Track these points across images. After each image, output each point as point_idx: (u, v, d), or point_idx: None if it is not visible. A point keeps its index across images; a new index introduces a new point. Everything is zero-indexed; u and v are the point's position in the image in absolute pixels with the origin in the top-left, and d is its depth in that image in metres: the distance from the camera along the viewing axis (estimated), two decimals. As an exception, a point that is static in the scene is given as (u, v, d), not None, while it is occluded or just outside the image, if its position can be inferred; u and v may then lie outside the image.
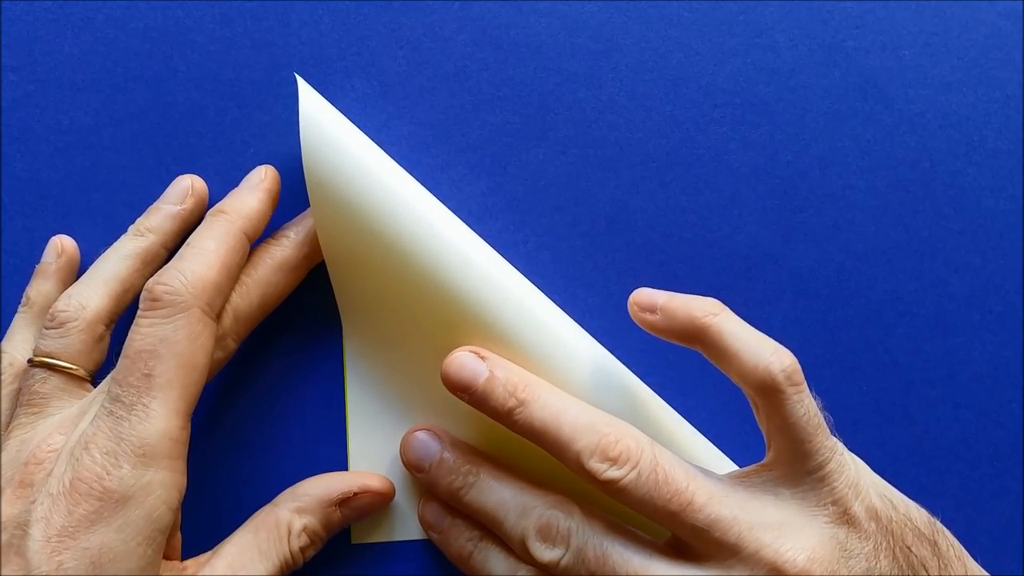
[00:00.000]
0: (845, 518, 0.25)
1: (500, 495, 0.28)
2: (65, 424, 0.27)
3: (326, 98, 0.32)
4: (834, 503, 0.26)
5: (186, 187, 0.32)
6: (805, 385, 0.26)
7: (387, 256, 0.30)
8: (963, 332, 0.34)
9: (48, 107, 0.33)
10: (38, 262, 0.32)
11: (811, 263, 0.34)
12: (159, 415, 0.25)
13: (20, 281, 0.32)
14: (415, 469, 0.31)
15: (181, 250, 0.28)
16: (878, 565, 0.25)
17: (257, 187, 0.31)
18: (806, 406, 0.26)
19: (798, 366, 0.26)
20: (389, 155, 0.31)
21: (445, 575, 0.32)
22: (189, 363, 0.26)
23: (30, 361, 0.28)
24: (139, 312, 0.26)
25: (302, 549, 0.28)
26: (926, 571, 0.25)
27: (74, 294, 0.29)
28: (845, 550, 0.25)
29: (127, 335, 0.26)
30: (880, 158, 0.34)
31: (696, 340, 0.27)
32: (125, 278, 0.30)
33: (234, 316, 0.29)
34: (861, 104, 0.34)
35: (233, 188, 0.32)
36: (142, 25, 0.33)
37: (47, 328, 0.28)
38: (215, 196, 0.33)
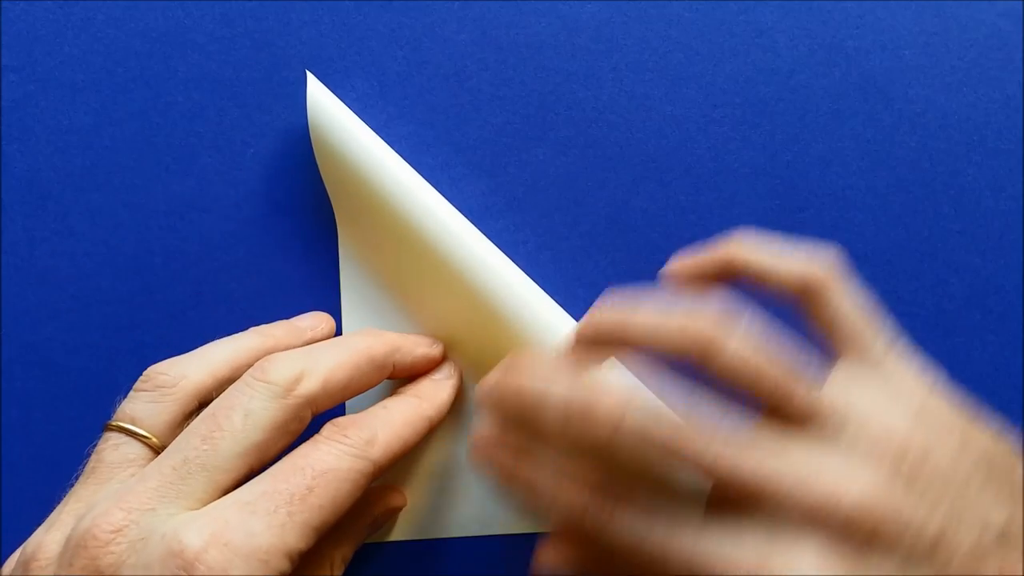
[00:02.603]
0: (922, 410, 0.24)
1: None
2: (128, 498, 0.23)
3: (326, 98, 0.32)
4: (914, 379, 0.25)
5: (322, 318, 0.32)
6: (849, 278, 0.26)
7: (391, 222, 0.31)
8: (963, 332, 0.34)
9: (48, 107, 0.33)
10: (37, 262, 0.32)
11: (811, 263, 0.34)
12: (297, 533, 0.23)
13: (20, 281, 0.32)
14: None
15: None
16: (972, 445, 0.24)
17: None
18: (853, 299, 0.25)
19: (839, 262, 0.26)
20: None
21: (445, 575, 0.32)
22: (341, 507, 0.24)
23: (107, 425, 0.26)
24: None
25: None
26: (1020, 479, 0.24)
27: (177, 362, 0.27)
28: (928, 439, 0.24)
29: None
30: (880, 158, 0.34)
31: (732, 272, 0.27)
32: (235, 366, 0.28)
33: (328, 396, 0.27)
34: (861, 104, 0.34)
35: (233, 189, 0.32)
36: (142, 25, 0.33)
37: (138, 390, 0.27)
38: (214, 196, 0.33)
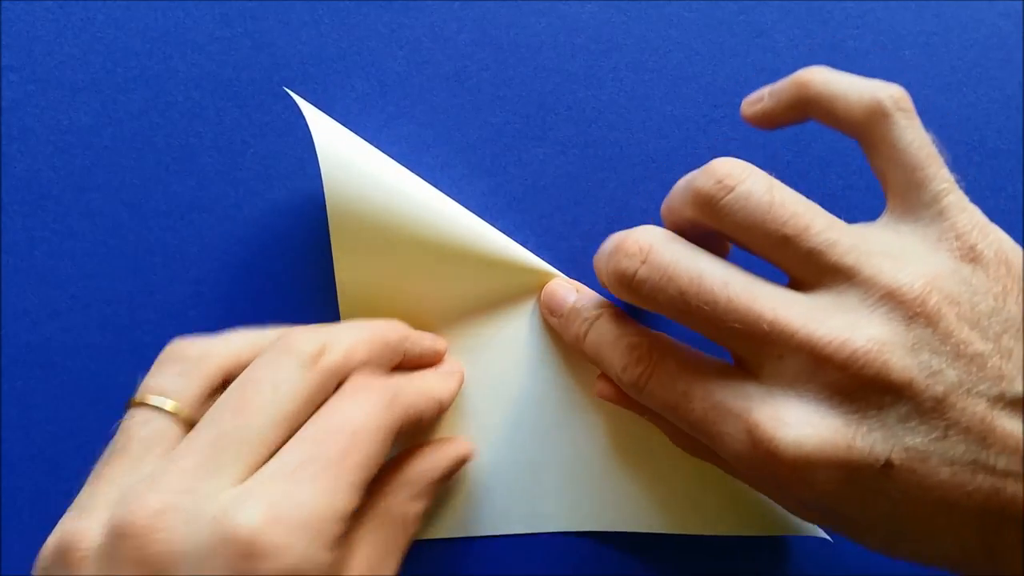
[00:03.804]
0: (971, 255, 0.23)
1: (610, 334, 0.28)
2: (165, 480, 0.22)
3: (326, 98, 0.32)
4: (957, 238, 0.24)
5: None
6: (915, 114, 0.25)
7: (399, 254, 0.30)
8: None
9: (48, 107, 0.33)
10: (37, 262, 0.32)
11: (811, 263, 0.34)
12: (345, 494, 0.23)
13: (20, 281, 0.32)
14: (552, 313, 0.31)
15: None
16: (1006, 308, 0.23)
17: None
18: (917, 133, 0.25)
19: (908, 96, 0.25)
20: (389, 155, 0.31)
21: (448, 575, 0.32)
22: (379, 461, 0.24)
23: (134, 401, 0.25)
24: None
25: (415, 533, 0.28)
26: None
27: (201, 338, 0.26)
28: (969, 285, 0.23)
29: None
30: (880, 158, 0.34)
31: (805, 101, 0.26)
32: (259, 350, 0.27)
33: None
34: (861, 104, 0.34)
35: (233, 189, 0.32)
36: (142, 25, 0.33)
37: (164, 362, 0.25)
38: (214, 196, 0.33)
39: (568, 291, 0.30)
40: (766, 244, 0.24)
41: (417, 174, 0.32)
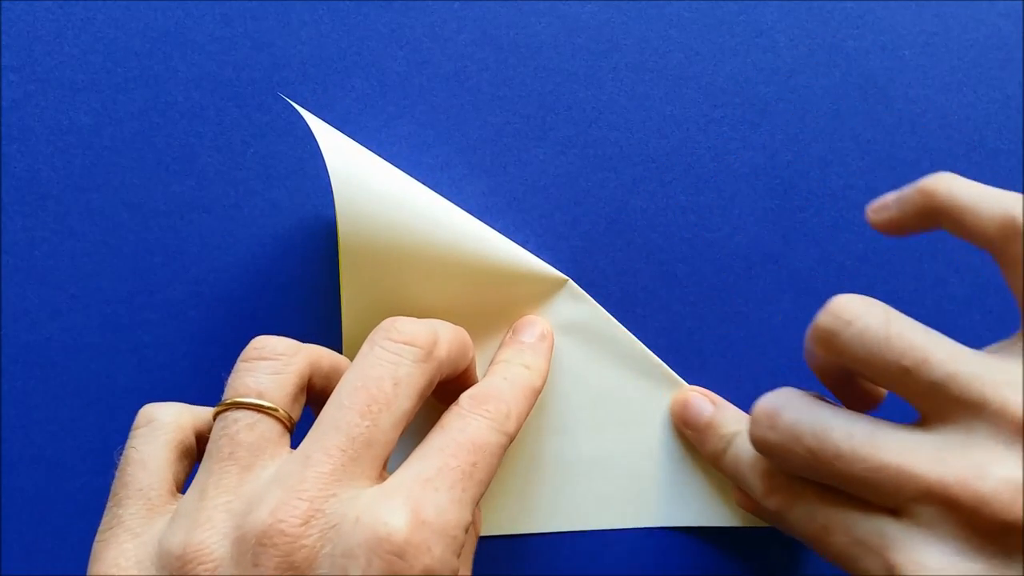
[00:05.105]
0: None
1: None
2: (303, 486, 0.21)
3: (326, 98, 0.32)
4: None
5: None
6: None
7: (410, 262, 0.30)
8: (963, 332, 0.34)
9: (48, 107, 0.33)
10: (37, 262, 0.32)
11: (811, 263, 0.34)
12: (469, 508, 0.23)
13: (20, 281, 0.32)
14: (688, 427, 0.31)
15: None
16: None
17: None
18: None
19: None
20: (389, 155, 0.31)
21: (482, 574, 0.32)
22: (490, 481, 0.24)
23: (233, 403, 0.23)
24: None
25: None
26: None
27: (281, 337, 0.25)
28: None
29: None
30: (880, 158, 0.34)
31: (932, 211, 0.25)
32: (334, 361, 0.26)
33: None
34: (861, 104, 0.34)
35: (233, 189, 0.32)
36: (142, 25, 0.33)
37: (253, 360, 0.24)
38: (213, 196, 0.33)
39: (704, 404, 0.30)
40: (887, 377, 0.23)
41: (417, 174, 0.32)
